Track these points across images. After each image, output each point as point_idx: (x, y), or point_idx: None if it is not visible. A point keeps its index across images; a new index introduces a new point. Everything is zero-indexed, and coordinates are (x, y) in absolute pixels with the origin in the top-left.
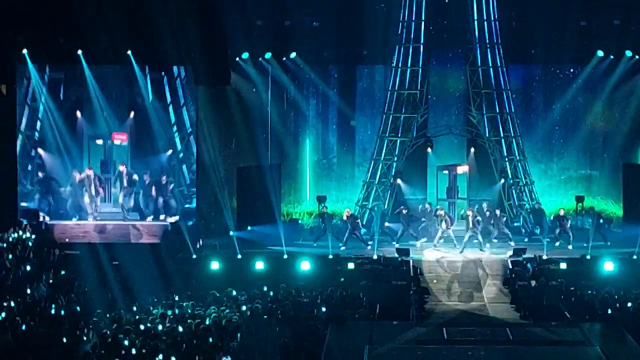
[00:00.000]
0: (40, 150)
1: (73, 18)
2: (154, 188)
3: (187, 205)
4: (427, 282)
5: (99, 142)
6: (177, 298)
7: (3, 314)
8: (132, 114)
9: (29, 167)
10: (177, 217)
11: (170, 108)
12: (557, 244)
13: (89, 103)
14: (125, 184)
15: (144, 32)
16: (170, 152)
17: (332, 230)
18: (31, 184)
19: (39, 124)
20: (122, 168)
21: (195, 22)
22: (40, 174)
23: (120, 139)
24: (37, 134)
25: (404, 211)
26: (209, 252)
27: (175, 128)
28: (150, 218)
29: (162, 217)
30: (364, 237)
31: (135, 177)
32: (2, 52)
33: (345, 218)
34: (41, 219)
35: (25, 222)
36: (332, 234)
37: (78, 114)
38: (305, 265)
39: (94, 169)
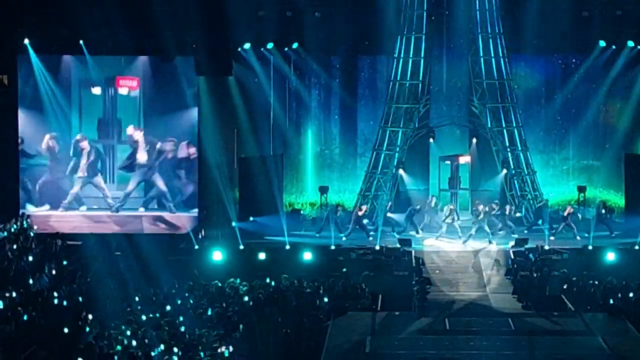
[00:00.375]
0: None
1: (74, 8)
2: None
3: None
4: (429, 273)
5: (96, 91)
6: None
7: (5, 304)
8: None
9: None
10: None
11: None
12: (552, 238)
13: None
14: (140, 158)
15: (146, 23)
16: (196, 110)
17: (334, 221)
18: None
19: None
20: (132, 132)
21: (198, 13)
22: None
23: (128, 86)
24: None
25: (417, 207)
26: (211, 243)
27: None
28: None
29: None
30: (368, 229)
31: (160, 145)
32: (3, 43)
33: (360, 213)
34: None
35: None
36: (335, 224)
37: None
38: (307, 256)
39: (88, 137)
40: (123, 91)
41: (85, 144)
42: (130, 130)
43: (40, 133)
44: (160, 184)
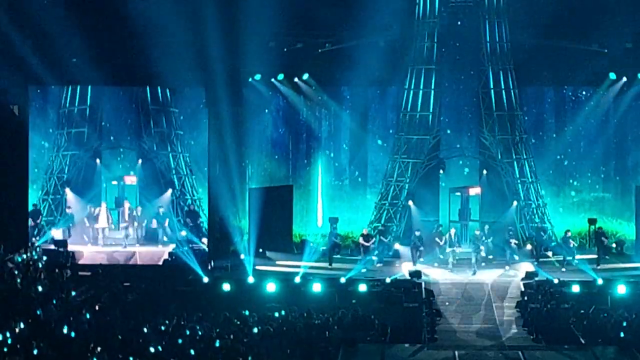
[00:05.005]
0: (67, 190)
1: (87, 40)
2: (154, 220)
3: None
4: (439, 305)
5: (114, 183)
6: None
7: (14, 335)
8: (140, 161)
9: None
10: (173, 245)
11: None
12: (563, 269)
13: (106, 152)
14: (127, 217)
15: (157, 55)
16: (170, 191)
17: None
18: (60, 214)
19: (66, 168)
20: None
21: (209, 45)
22: (68, 210)
23: (130, 180)
24: (65, 176)
25: (417, 233)
26: (221, 274)
27: (173, 172)
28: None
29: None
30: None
31: (136, 211)
32: (14, 74)
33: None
34: (69, 247)
35: (37, 243)
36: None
37: (97, 161)
38: (316, 287)
39: (107, 203)
40: (128, 182)
41: (104, 206)
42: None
43: (82, 204)
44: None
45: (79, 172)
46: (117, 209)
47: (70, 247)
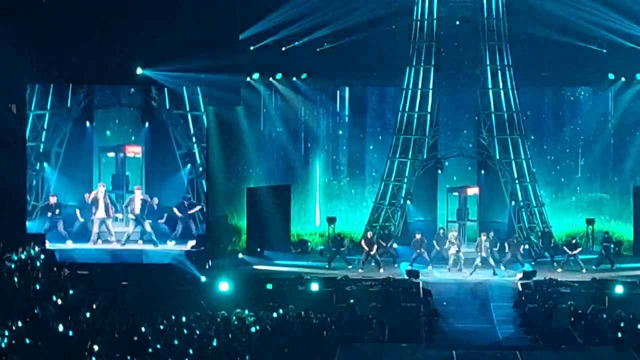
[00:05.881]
0: (45, 165)
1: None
2: (176, 211)
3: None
4: (437, 304)
5: (111, 155)
6: (184, 319)
7: (11, 334)
8: (147, 124)
9: (34, 183)
10: (193, 242)
11: (189, 117)
12: (559, 269)
13: (100, 111)
14: (137, 207)
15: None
16: (189, 166)
17: (342, 252)
18: (35, 200)
19: (44, 134)
20: (138, 192)
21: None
22: (51, 200)
23: (133, 151)
24: (42, 146)
25: (417, 236)
26: (218, 273)
27: (194, 139)
28: (172, 243)
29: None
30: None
31: (155, 201)
32: (12, 72)
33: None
34: (47, 245)
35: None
36: (343, 255)
37: (87, 124)
38: (314, 287)
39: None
40: (130, 154)
41: (103, 189)
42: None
43: (69, 187)
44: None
45: (61, 140)
46: (119, 194)
47: (56, 245)
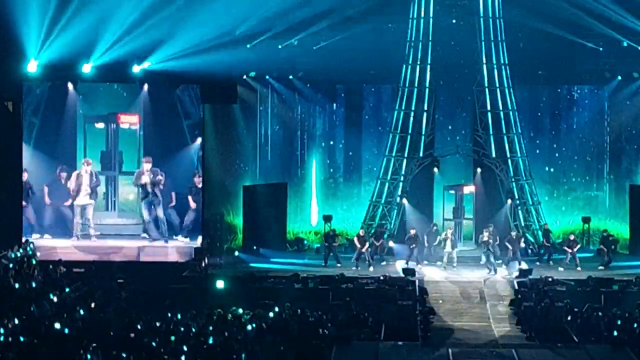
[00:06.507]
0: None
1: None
2: (191, 200)
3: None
4: (433, 303)
5: (100, 125)
6: (179, 316)
7: (7, 332)
8: (145, 87)
9: None
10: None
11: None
12: (561, 268)
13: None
14: (150, 188)
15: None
16: (199, 140)
17: (335, 249)
18: None
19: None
20: (147, 166)
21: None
22: (24, 175)
23: (129, 122)
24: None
25: (412, 231)
26: (215, 271)
27: (201, 107)
28: (186, 239)
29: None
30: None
31: (160, 177)
32: (9, 70)
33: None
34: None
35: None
36: (336, 253)
37: (70, 86)
38: (309, 284)
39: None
40: (124, 126)
41: (89, 168)
42: (146, 165)
43: (46, 165)
44: (159, 211)
45: (37, 104)
46: (110, 176)
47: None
